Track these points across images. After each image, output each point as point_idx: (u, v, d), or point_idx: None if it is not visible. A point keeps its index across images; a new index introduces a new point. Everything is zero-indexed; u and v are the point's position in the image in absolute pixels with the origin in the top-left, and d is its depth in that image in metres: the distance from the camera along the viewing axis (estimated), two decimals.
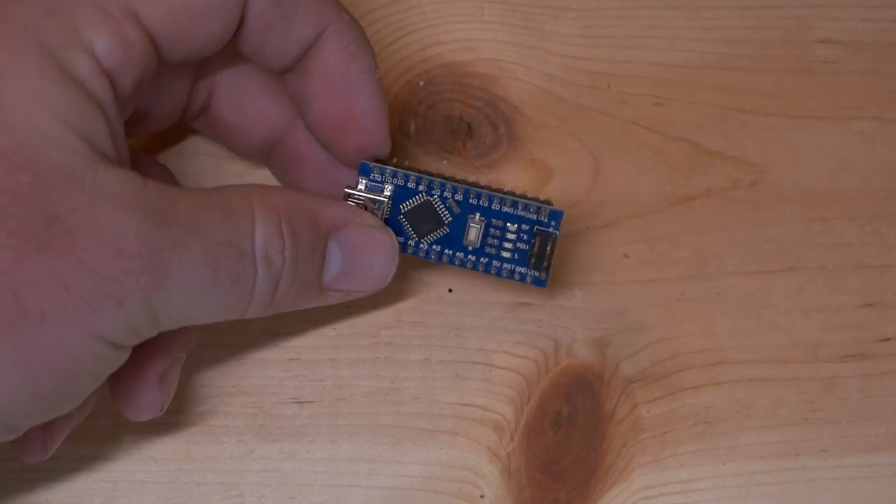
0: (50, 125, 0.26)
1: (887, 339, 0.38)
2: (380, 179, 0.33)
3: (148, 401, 0.31)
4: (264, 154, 0.35)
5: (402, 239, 0.33)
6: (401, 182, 0.33)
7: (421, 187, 0.33)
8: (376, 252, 0.32)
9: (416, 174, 0.33)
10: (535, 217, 0.33)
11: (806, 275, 0.38)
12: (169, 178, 0.34)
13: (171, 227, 0.27)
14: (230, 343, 0.36)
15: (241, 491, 0.35)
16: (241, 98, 0.34)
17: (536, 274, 0.33)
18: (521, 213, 0.33)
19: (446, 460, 0.36)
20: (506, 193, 0.33)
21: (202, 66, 0.34)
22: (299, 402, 0.36)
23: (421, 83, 0.39)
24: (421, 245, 0.33)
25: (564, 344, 0.37)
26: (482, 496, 0.36)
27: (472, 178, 0.34)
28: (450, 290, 0.37)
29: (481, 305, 0.37)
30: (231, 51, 0.33)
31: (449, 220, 0.33)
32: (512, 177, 0.39)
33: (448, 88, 0.39)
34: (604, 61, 0.40)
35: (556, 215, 0.33)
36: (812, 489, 0.37)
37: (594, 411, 0.37)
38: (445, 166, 0.38)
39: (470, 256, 0.33)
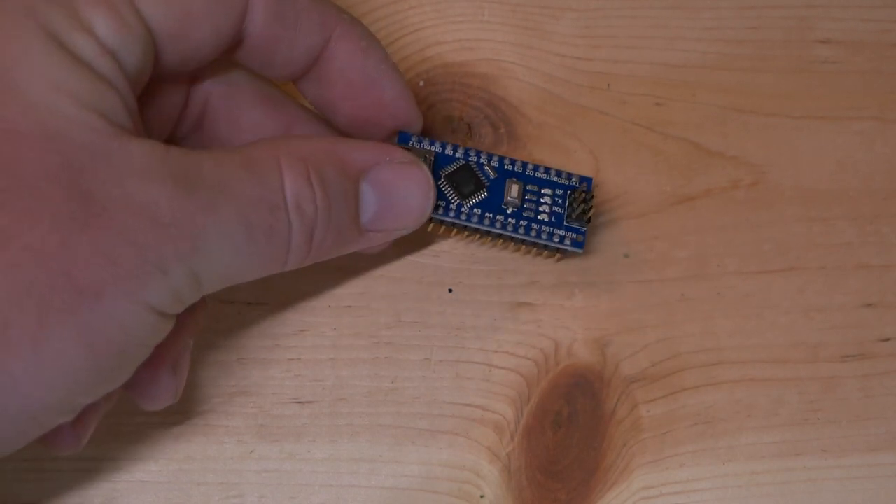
0: (67, 105, 0.26)
1: (887, 339, 0.38)
2: (419, 147, 0.34)
3: (164, 388, 0.32)
4: None
5: (443, 203, 0.34)
6: (438, 149, 0.34)
7: (458, 153, 0.34)
8: (409, 186, 0.32)
9: (451, 144, 0.34)
10: (567, 182, 0.35)
11: (806, 275, 0.38)
12: None
13: (200, 190, 0.27)
14: (230, 343, 0.36)
15: (241, 491, 0.35)
16: (236, 110, 0.34)
17: (574, 235, 0.34)
18: (553, 178, 0.35)
19: (446, 460, 0.36)
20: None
21: (196, 78, 0.33)
22: (299, 402, 0.36)
23: (421, 83, 0.39)
24: (463, 208, 0.34)
25: (564, 344, 0.37)
26: (482, 496, 0.36)
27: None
28: (450, 290, 0.37)
29: (481, 305, 0.37)
30: (225, 62, 0.33)
31: (487, 183, 0.34)
32: None
33: (448, 88, 0.39)
34: (604, 61, 0.40)
35: (586, 180, 0.35)
36: (812, 489, 0.37)
37: (594, 411, 0.37)
38: None
39: (510, 219, 0.34)
